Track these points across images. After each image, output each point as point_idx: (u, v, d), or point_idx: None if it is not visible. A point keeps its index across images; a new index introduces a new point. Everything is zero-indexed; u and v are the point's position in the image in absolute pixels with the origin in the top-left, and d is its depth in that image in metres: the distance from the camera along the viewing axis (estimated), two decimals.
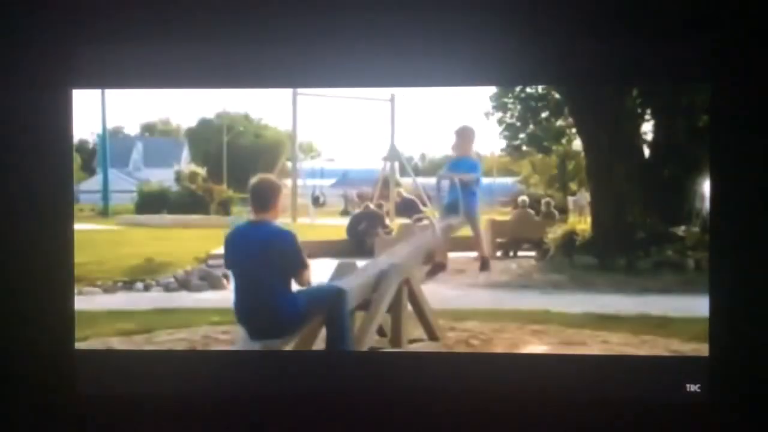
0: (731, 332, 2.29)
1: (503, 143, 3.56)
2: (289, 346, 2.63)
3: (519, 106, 3.43)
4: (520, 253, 3.62)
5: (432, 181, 3.69)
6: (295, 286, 2.65)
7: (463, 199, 3.12)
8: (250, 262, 2.60)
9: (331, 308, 2.63)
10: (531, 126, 3.48)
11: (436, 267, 2.99)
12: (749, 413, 2.29)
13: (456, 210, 3.16)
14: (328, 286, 2.78)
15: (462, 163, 3.19)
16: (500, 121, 3.44)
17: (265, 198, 2.62)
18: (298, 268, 2.61)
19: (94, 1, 2.34)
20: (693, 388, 2.32)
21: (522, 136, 3.52)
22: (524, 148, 3.59)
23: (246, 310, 2.61)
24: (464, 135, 3.11)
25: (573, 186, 3.67)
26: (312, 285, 2.69)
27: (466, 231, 3.33)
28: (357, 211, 3.76)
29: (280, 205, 2.68)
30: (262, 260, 2.59)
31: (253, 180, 2.65)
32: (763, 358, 2.28)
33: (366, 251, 3.35)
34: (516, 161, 3.79)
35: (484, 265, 2.86)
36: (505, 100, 3.42)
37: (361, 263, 2.97)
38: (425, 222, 3.13)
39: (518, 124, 3.47)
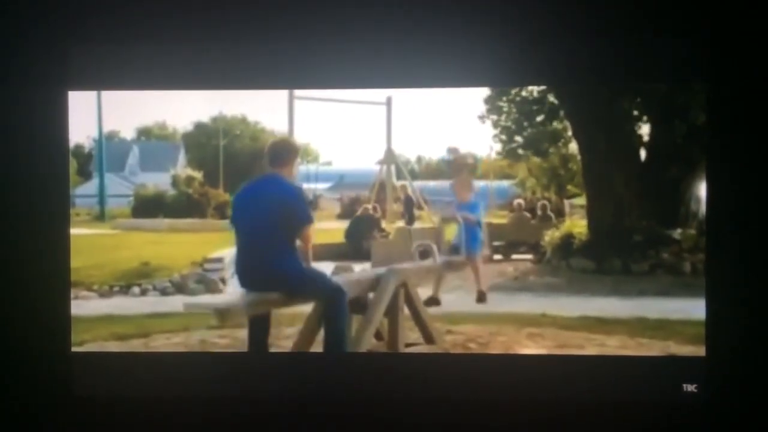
0: (728, 333, 2.29)
1: (499, 146, 3.57)
2: (283, 305, 2.61)
3: (514, 109, 3.44)
4: (516, 256, 3.63)
5: (429, 183, 3.70)
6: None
7: (466, 244, 3.25)
8: (258, 216, 2.60)
9: (329, 305, 2.62)
10: (528, 129, 3.48)
11: (430, 301, 3.09)
12: (745, 413, 2.29)
13: (458, 252, 3.23)
14: (330, 278, 2.75)
15: (465, 206, 3.34)
16: (495, 124, 3.44)
17: (282, 154, 2.65)
18: (305, 223, 2.62)
19: (90, 2, 2.34)
20: (690, 388, 2.32)
21: (518, 139, 3.53)
22: (521, 151, 3.59)
23: (248, 262, 2.61)
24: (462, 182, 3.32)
25: (571, 188, 3.68)
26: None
27: None
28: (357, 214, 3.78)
29: (295, 165, 2.70)
30: (271, 214, 2.59)
31: (273, 140, 2.71)
32: (759, 359, 2.29)
33: (363, 254, 3.35)
34: (513, 165, 3.80)
35: (481, 298, 3.09)
36: (500, 103, 3.43)
37: (357, 267, 2.97)
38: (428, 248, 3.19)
39: (513, 127, 3.48)
